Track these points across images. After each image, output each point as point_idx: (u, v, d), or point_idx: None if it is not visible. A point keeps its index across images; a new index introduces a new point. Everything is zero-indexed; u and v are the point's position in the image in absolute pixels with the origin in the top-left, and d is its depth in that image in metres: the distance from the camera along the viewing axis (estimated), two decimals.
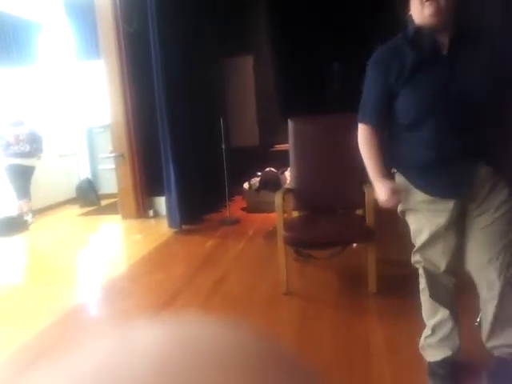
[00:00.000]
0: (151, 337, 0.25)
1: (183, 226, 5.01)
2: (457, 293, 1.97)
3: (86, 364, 0.23)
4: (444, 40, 1.70)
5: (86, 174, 7.56)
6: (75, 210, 6.77)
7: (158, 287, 3.41)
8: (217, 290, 3.29)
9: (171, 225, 5.02)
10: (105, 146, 6.53)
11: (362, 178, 3.21)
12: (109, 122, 5.71)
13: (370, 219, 2.93)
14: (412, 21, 1.71)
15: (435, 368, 2.00)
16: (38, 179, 6.30)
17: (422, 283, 1.97)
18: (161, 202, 5.56)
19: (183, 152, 5.01)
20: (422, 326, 2.38)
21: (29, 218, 5.96)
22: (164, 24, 4.80)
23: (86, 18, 6.54)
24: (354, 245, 3.51)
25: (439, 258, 1.85)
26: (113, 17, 5.29)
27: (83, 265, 4.46)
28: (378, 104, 1.82)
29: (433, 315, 1.97)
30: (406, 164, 1.83)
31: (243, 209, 5.81)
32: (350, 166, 3.31)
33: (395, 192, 1.75)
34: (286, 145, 3.62)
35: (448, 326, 1.94)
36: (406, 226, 1.96)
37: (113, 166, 5.85)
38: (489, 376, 1.93)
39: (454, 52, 1.69)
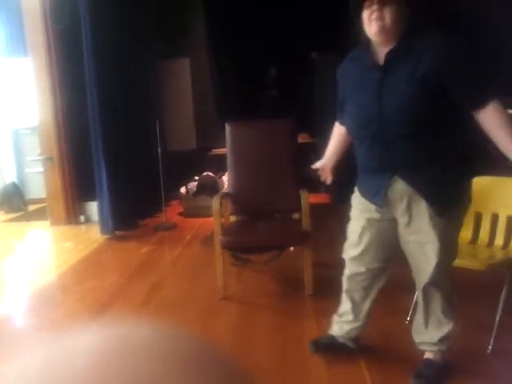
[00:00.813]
0: (87, 338, 0.25)
1: (116, 232, 4.85)
2: (373, 293, 2.17)
3: (25, 366, 0.23)
4: (383, 57, 1.77)
5: (11, 177, 7.14)
6: None
7: (90, 296, 3.26)
8: (152, 298, 3.20)
9: (103, 231, 4.83)
10: (32, 149, 6.21)
11: (298, 183, 3.28)
12: (37, 123, 5.43)
13: (305, 223, 2.98)
14: (366, 40, 1.80)
15: (323, 338, 2.28)
16: None
17: (345, 274, 2.17)
18: (92, 208, 5.35)
19: (116, 155, 4.85)
20: None
21: None
22: (97, 21, 4.62)
23: (11, 12, 6.19)
24: (292, 248, 3.56)
25: (359, 254, 2.06)
26: (41, 12, 5.03)
27: (8, 274, 4.20)
28: (338, 106, 2.08)
29: (342, 304, 2.22)
30: (358, 162, 2.05)
31: (180, 213, 5.72)
32: (287, 170, 3.35)
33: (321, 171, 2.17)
34: (224, 149, 3.61)
35: (348, 318, 2.19)
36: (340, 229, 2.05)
37: (41, 170, 5.57)
38: (414, 376, 2.04)
39: (387, 69, 1.75)
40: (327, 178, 2.33)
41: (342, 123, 2.11)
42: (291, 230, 3.16)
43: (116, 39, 4.97)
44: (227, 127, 3.46)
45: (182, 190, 5.78)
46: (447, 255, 1.90)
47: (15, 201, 6.70)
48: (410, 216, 1.87)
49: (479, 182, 2.28)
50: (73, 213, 5.45)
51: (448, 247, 1.89)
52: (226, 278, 3.04)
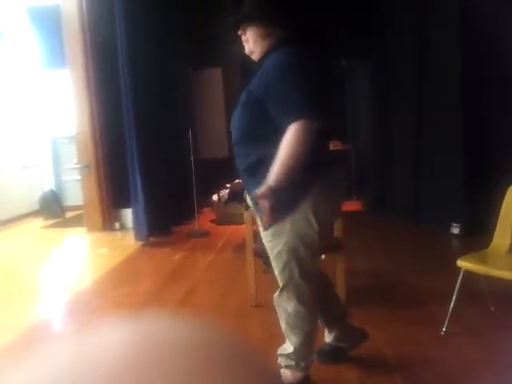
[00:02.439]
0: (123, 334, 0.26)
1: (150, 239, 4.93)
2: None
3: (60, 362, 0.23)
4: None
5: (50, 185, 7.36)
6: (39, 223, 6.57)
7: (124, 301, 3.33)
8: (185, 304, 3.24)
9: (138, 237, 4.93)
10: (70, 157, 6.39)
11: None
12: (74, 133, 5.59)
13: (338, 230, 2.96)
14: None
15: (324, 347, 2.34)
16: (0, 190, 6.10)
17: None
18: (127, 215, 5.46)
19: (151, 163, 4.95)
20: (389, 336, 2.40)
21: None
22: (133, 34, 4.76)
23: (51, 25, 6.41)
24: (323, 256, 3.53)
25: None
26: (79, 25, 5.21)
27: (47, 279, 4.32)
28: None
29: None
30: None
31: (212, 221, 5.77)
32: None
33: None
34: None
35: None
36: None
37: (78, 177, 5.73)
38: None
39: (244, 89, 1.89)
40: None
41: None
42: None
43: (150, 50, 5.09)
44: None
45: (214, 197, 5.83)
46: (279, 265, 1.89)
47: (53, 208, 6.91)
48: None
49: None
50: (108, 220, 5.58)
51: (278, 256, 1.88)
52: (257, 285, 3.05)
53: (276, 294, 1.99)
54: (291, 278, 1.89)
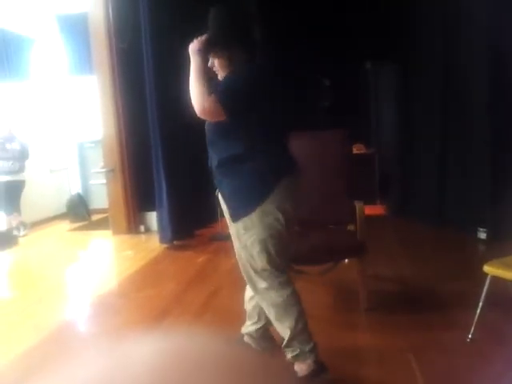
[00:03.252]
0: (148, 348, 0.25)
1: (174, 242, 4.98)
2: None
3: (88, 373, 0.23)
4: None
5: (76, 188, 7.52)
6: (65, 226, 6.72)
7: (148, 303, 3.37)
8: (208, 306, 3.26)
9: (162, 240, 4.98)
10: (96, 161, 6.51)
11: (352, 194, 3.25)
12: (100, 137, 5.70)
13: (361, 235, 2.94)
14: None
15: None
16: (29, 194, 6.25)
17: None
18: (152, 218, 5.53)
19: (175, 167, 5.00)
20: (412, 342, 2.37)
21: (20, 232, 5.91)
22: (157, 40, 4.83)
23: (79, 32, 6.57)
24: (346, 260, 3.51)
25: None
26: (106, 32, 5.31)
27: (72, 281, 4.41)
28: None
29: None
30: None
31: None
32: (340, 181, 3.33)
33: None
34: None
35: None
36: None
37: (104, 181, 5.83)
38: None
39: None
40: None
41: None
42: (346, 241, 3.12)
43: (176, 56, 5.14)
44: None
45: None
46: (247, 262, 2.08)
47: (80, 211, 7.05)
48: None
49: None
50: (133, 223, 5.66)
51: (251, 247, 2.04)
52: None
53: (255, 292, 2.13)
54: (265, 267, 2.05)
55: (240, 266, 2.16)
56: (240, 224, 2.05)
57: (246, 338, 2.37)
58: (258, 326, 2.33)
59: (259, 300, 2.15)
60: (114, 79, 5.39)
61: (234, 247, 2.17)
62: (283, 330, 2.09)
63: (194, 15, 5.52)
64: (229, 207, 2.13)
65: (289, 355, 2.09)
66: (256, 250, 2.03)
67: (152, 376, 0.22)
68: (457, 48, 4.75)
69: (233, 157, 2.01)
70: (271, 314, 2.11)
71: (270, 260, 2.04)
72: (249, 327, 2.37)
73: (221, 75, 2.10)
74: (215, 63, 2.10)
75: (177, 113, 5.12)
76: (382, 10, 5.60)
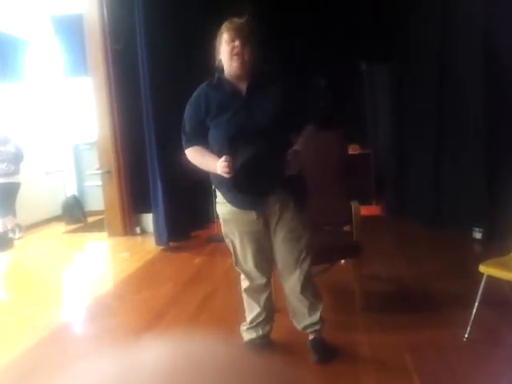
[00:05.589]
0: (155, 352, 0.25)
1: (170, 243, 4.97)
2: (270, 291, 2.50)
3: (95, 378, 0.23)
4: (243, 86, 2.16)
5: (72, 190, 7.49)
6: (61, 228, 6.69)
7: (144, 305, 3.36)
8: (204, 308, 3.26)
9: (158, 242, 4.97)
10: (91, 163, 6.49)
11: (348, 194, 3.25)
12: (96, 139, 5.68)
13: (357, 235, 2.95)
14: (220, 69, 2.21)
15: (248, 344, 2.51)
16: (24, 196, 6.22)
17: (244, 285, 2.46)
18: (148, 219, 5.52)
19: (171, 169, 4.99)
20: (409, 342, 2.38)
21: (15, 234, 5.88)
22: (152, 42, 4.82)
23: (73, 34, 6.54)
24: (342, 261, 3.52)
25: (250, 261, 2.35)
26: (101, 34, 5.30)
27: (69, 283, 4.40)
28: (195, 132, 2.28)
29: (250, 311, 2.48)
30: (218, 181, 2.21)
31: None
32: (336, 182, 3.33)
33: (226, 160, 2.05)
34: None
35: (260, 319, 2.47)
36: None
37: (99, 183, 5.81)
38: (312, 355, 2.39)
39: (251, 95, 2.15)
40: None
41: (201, 143, 2.27)
42: (342, 242, 3.12)
43: (171, 58, 5.14)
44: None
45: None
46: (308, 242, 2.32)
47: (75, 213, 7.02)
48: (283, 219, 2.24)
49: None
50: (129, 224, 5.65)
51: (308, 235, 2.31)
52: (276, 290, 3.05)
53: (298, 285, 2.35)
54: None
55: (304, 254, 2.33)
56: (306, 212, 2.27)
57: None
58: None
59: (306, 281, 2.36)
60: (109, 81, 5.38)
61: (293, 236, 2.29)
62: (318, 302, 2.41)
63: (188, 17, 5.53)
64: (297, 198, 2.25)
65: (318, 326, 2.41)
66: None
67: (152, 379, 0.22)
68: (452, 48, 4.76)
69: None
70: (309, 294, 2.38)
71: None
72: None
73: (238, 69, 2.15)
74: (246, 56, 2.12)
75: (173, 114, 5.12)
76: (377, 11, 5.61)
